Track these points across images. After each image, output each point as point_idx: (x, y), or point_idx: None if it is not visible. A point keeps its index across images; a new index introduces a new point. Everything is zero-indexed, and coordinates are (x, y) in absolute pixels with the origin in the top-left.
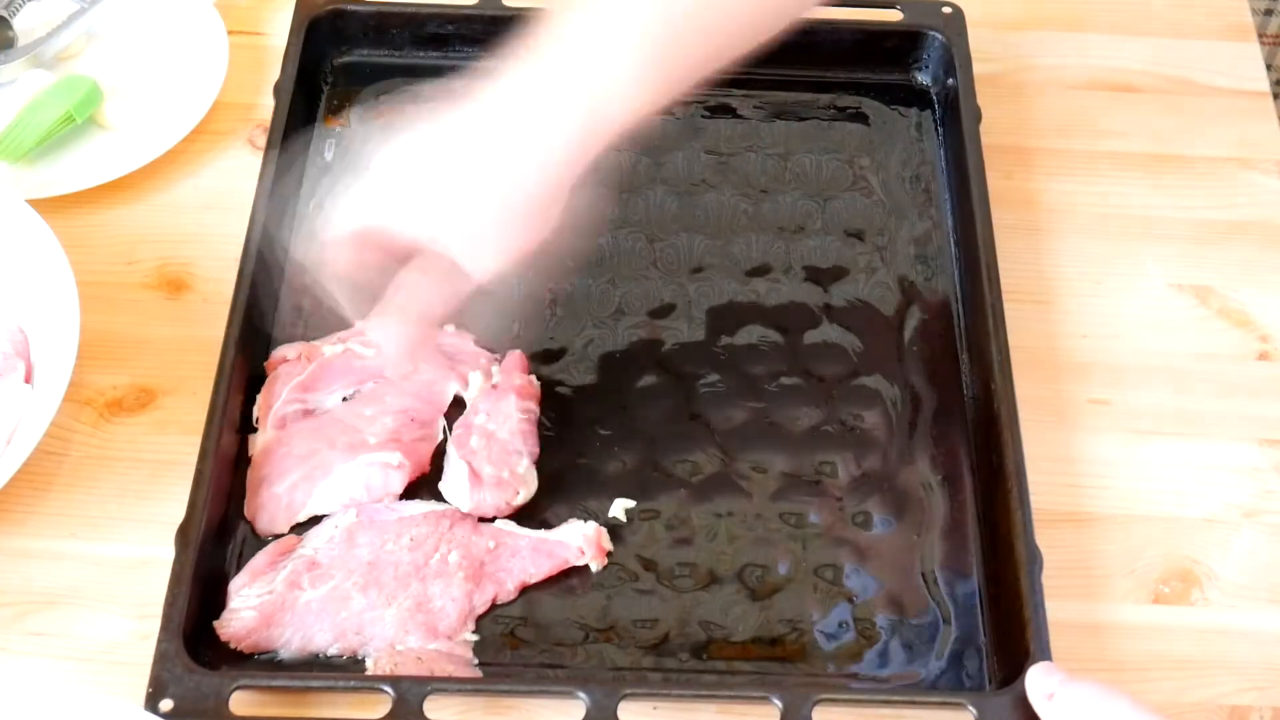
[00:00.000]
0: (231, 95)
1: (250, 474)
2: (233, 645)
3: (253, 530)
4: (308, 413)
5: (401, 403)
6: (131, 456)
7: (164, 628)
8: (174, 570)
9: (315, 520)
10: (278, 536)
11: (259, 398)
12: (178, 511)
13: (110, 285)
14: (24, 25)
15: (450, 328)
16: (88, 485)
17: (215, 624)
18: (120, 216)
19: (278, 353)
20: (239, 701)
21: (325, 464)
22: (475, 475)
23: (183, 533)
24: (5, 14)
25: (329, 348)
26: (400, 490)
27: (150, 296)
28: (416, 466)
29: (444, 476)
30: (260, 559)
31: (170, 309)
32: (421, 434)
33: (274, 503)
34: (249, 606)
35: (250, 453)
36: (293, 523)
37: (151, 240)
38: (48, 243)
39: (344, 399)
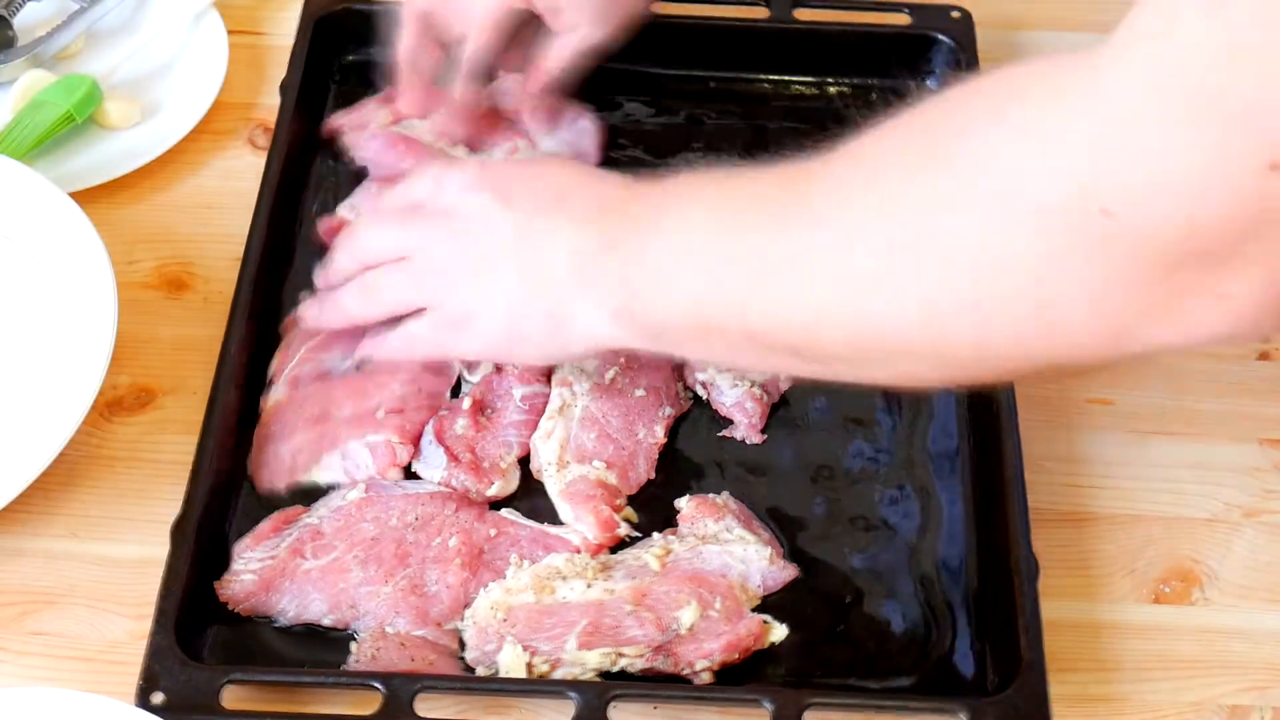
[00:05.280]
0: (231, 95)
1: (259, 430)
2: (231, 607)
3: (252, 488)
4: (321, 375)
5: (412, 372)
6: (131, 456)
7: (157, 621)
8: (168, 565)
9: (322, 490)
10: (274, 496)
11: (275, 356)
12: (178, 511)
13: None
14: (24, 25)
15: None
16: (88, 485)
17: (215, 584)
18: (120, 216)
19: (295, 313)
20: (231, 696)
21: (332, 434)
22: (454, 459)
23: (178, 528)
24: (5, 14)
25: None
26: (406, 462)
27: (150, 296)
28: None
29: (420, 457)
30: (266, 524)
31: (170, 309)
32: (429, 405)
33: (276, 461)
34: (250, 570)
35: (261, 409)
36: (291, 484)
37: (151, 240)
38: (91, 242)
39: (358, 366)
